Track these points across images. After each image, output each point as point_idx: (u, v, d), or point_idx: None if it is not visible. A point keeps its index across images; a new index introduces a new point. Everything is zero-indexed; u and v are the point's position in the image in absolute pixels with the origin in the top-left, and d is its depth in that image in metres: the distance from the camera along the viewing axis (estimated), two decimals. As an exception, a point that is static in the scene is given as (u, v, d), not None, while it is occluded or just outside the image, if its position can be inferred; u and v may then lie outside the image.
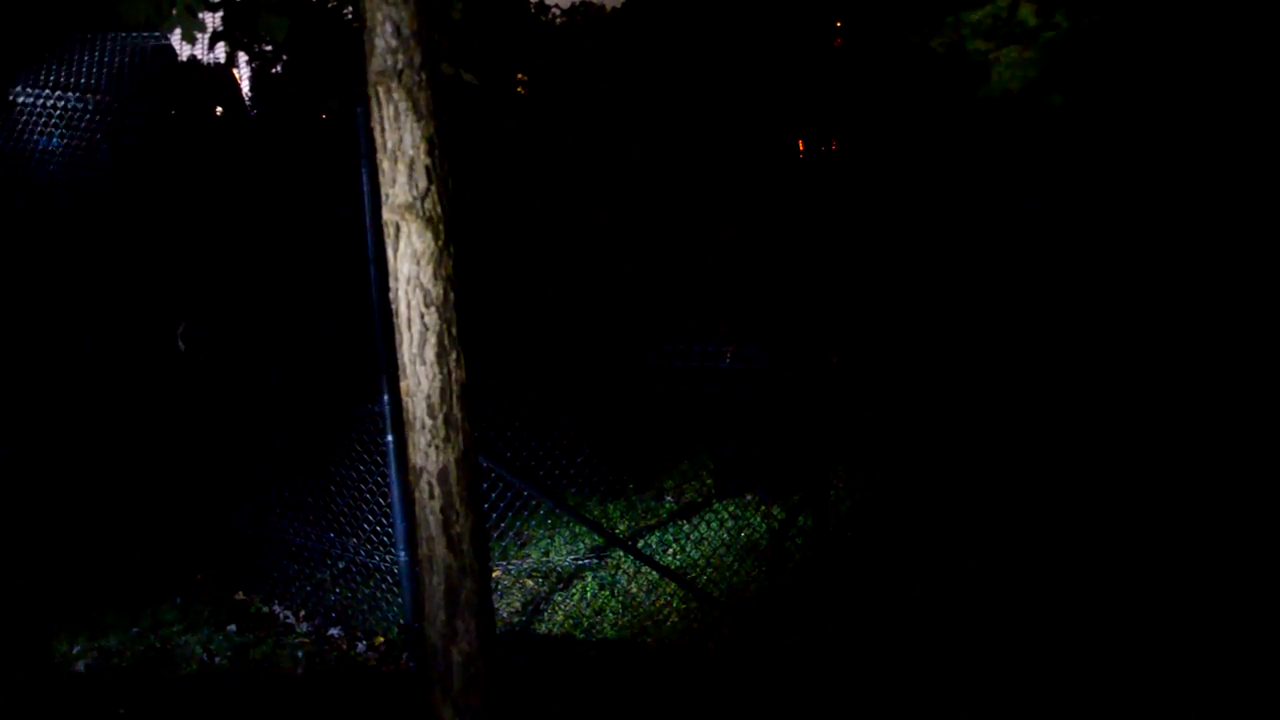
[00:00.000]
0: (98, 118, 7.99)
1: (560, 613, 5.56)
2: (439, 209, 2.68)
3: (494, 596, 4.66)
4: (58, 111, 7.85)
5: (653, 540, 6.46)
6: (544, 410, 7.10)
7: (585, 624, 5.43)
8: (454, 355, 2.72)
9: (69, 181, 7.94)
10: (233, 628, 5.37)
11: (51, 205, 7.76)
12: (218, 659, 5.07)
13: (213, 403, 6.59)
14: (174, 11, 3.46)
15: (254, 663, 5.07)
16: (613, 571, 5.96)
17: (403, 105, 2.66)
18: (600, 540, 6.19)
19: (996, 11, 8.05)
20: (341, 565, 5.75)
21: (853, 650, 4.99)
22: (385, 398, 4.80)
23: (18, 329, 6.98)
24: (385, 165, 2.69)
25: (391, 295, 2.72)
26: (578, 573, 6.01)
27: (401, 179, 2.67)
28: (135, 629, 5.32)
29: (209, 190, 7.93)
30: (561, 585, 5.87)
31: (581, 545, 6.36)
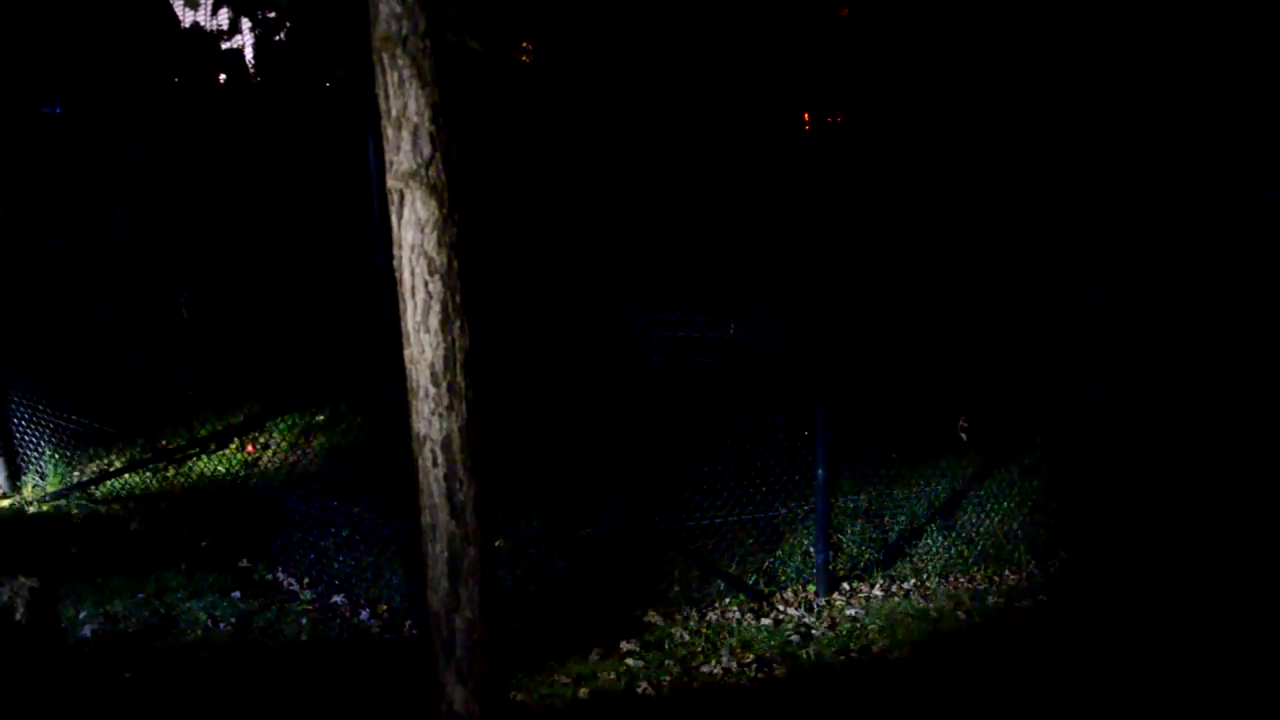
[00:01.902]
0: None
1: (564, 581, 5.58)
2: (443, 176, 2.67)
3: (497, 564, 4.69)
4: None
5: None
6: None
7: (587, 592, 5.45)
8: (458, 323, 2.71)
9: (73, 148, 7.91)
10: (237, 594, 5.40)
11: (55, 171, 7.74)
12: (222, 625, 5.09)
13: (216, 370, 6.60)
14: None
15: (258, 629, 5.09)
16: (616, 541, 5.98)
17: (407, 72, 2.64)
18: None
19: None
20: (345, 533, 5.77)
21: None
22: (390, 365, 4.80)
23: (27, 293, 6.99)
24: (389, 132, 2.68)
25: (395, 263, 2.71)
26: (582, 541, 6.03)
27: (406, 146, 2.66)
28: (140, 594, 5.35)
29: (213, 158, 7.91)
30: (565, 553, 5.89)
31: (584, 513, 6.37)
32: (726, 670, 4.59)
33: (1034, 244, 7.79)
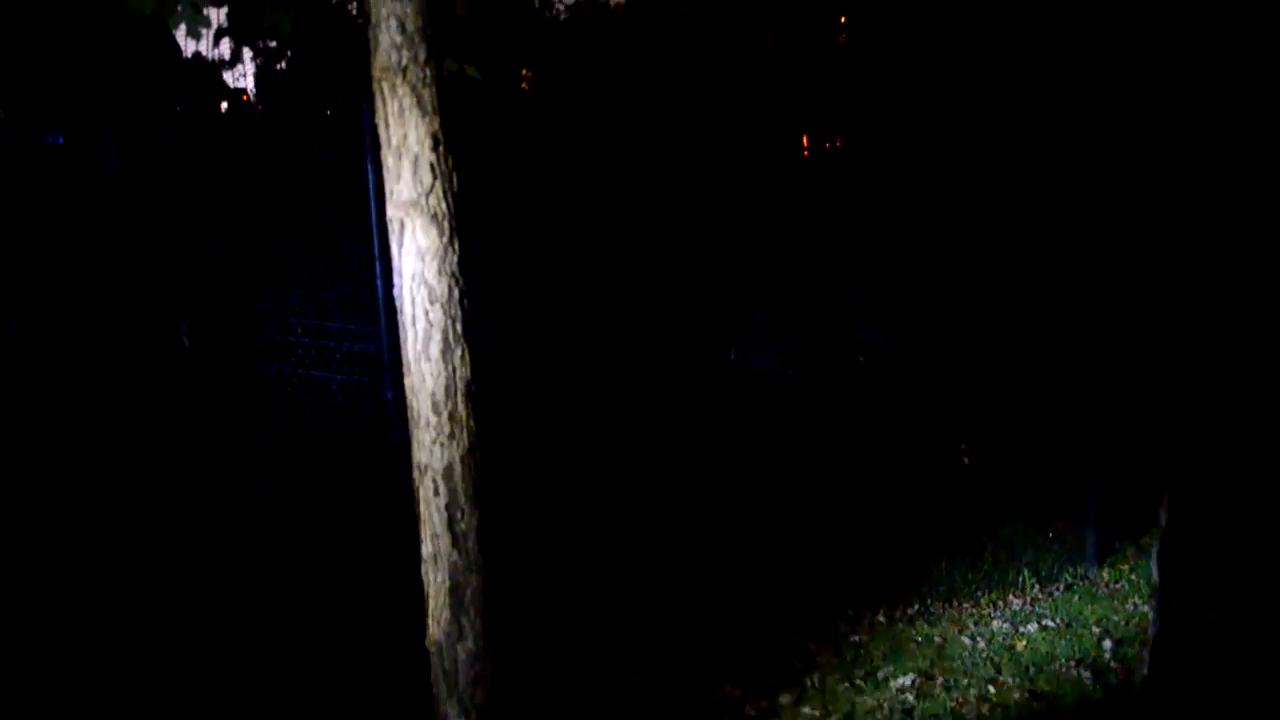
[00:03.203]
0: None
1: (567, 608, 5.55)
2: (444, 205, 2.67)
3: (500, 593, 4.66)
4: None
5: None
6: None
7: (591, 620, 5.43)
8: (459, 352, 2.71)
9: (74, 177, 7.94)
10: (239, 624, 5.37)
11: (56, 201, 7.76)
12: (224, 649, 5.06)
13: (215, 400, 6.60)
14: (179, 7, 3.45)
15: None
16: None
17: (407, 101, 2.65)
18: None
19: None
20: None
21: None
22: (389, 394, 4.80)
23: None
24: (389, 161, 2.68)
25: (396, 292, 2.71)
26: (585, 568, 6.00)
27: (406, 175, 2.66)
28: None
29: (214, 186, 7.93)
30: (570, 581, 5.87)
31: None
32: (731, 697, 4.56)
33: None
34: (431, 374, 2.70)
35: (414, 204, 2.66)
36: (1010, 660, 4.76)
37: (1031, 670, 4.63)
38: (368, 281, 4.91)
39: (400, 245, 2.70)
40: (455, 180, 2.72)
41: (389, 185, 2.70)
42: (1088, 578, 5.77)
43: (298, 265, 6.90)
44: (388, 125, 2.67)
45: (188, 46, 9.44)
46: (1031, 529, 6.23)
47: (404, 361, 2.74)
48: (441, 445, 2.72)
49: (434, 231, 2.67)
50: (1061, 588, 5.67)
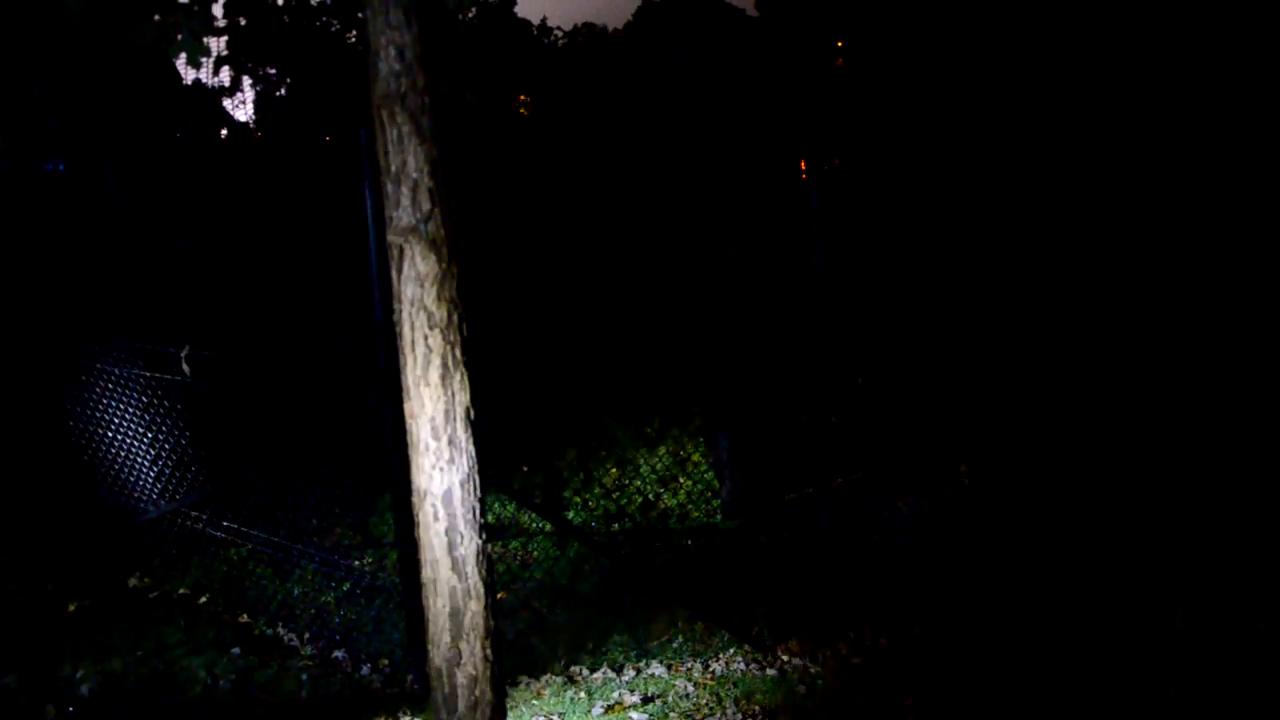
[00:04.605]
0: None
1: (567, 634, 5.54)
2: (443, 231, 2.69)
3: (499, 617, 4.65)
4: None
5: (658, 560, 6.45)
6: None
7: (590, 645, 5.41)
8: (458, 377, 2.72)
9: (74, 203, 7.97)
10: (236, 650, 5.35)
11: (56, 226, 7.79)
12: (221, 682, 5.05)
13: (215, 426, 6.60)
14: (179, 36, 3.47)
15: (258, 686, 5.05)
16: (618, 592, 5.95)
17: (406, 128, 2.67)
18: (604, 561, 6.17)
19: None
20: (346, 588, 5.74)
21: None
22: (389, 416, 4.80)
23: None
24: (389, 188, 2.70)
25: (395, 318, 2.73)
26: (585, 594, 5.99)
27: (405, 202, 2.68)
28: (139, 651, 5.31)
29: (213, 212, 7.96)
30: (568, 606, 5.86)
31: (586, 566, 6.34)
32: (731, 722, 4.54)
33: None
34: (431, 399, 2.71)
35: (413, 230, 2.68)
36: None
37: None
38: (367, 305, 4.91)
39: (399, 271, 2.71)
40: (454, 206, 2.74)
41: (388, 211, 2.72)
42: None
43: (297, 289, 6.93)
44: (387, 152, 2.69)
45: (188, 74, 9.49)
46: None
47: (403, 386, 2.75)
48: (441, 470, 2.73)
49: (433, 257, 2.69)
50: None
